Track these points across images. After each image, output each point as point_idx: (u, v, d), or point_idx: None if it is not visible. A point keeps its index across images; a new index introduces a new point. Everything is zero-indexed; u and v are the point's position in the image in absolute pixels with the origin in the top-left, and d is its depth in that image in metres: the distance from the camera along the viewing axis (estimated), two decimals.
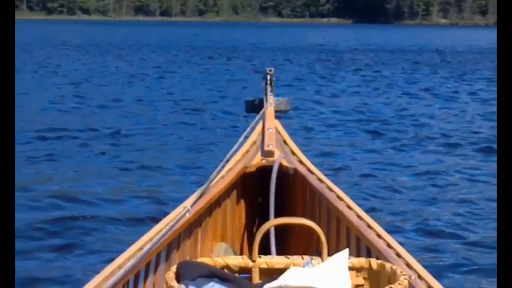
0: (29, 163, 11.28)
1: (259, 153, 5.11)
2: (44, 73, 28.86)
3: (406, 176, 10.91)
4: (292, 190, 5.12)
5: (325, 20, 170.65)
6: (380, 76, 30.06)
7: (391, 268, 2.53)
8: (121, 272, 3.39)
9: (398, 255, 3.61)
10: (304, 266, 2.61)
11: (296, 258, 2.71)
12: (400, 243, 3.82)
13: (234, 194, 5.14)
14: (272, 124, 5.30)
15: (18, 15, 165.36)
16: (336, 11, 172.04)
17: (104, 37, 70.56)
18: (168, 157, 11.98)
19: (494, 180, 10.71)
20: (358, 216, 4.24)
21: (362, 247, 4.01)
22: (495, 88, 25.36)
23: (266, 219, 4.49)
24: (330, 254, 2.62)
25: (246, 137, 5.17)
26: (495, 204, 9.27)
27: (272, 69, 5.72)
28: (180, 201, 4.61)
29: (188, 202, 4.37)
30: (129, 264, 3.48)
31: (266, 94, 5.57)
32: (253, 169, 5.06)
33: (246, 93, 19.59)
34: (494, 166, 11.77)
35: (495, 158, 12.51)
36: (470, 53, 50.40)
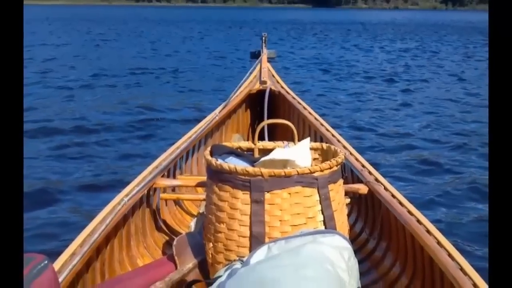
0: (125, 88, 11.16)
1: (258, 82, 5.06)
2: (133, 36, 28.45)
3: (342, 95, 10.79)
4: (277, 104, 5.04)
5: (295, 5, 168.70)
6: (328, 38, 29.57)
7: (334, 149, 2.46)
8: (178, 151, 3.35)
9: (338, 141, 3.55)
10: (284, 147, 2.57)
11: (280, 143, 2.66)
12: (340, 134, 3.75)
13: (243, 106, 5.07)
14: (266, 65, 5.24)
15: (118, 2, 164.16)
16: None
17: (168, 15, 69.58)
18: (205, 84, 11.84)
19: (394, 97, 10.62)
20: (315, 118, 4.18)
21: (317, 136, 3.95)
22: (395, 44, 25.14)
23: (262, 120, 4.44)
24: (299, 140, 2.56)
25: (251, 73, 5.13)
26: (395, 111, 9.20)
27: (266, 33, 5.69)
28: (212, 109, 4.53)
29: (217, 110, 4.33)
30: (183, 146, 3.43)
31: (262, 48, 5.52)
32: (254, 91, 4.98)
33: (250, 47, 19.32)
34: (394, 89, 11.65)
35: (395, 84, 12.39)
36: (379, 25, 49.85)
